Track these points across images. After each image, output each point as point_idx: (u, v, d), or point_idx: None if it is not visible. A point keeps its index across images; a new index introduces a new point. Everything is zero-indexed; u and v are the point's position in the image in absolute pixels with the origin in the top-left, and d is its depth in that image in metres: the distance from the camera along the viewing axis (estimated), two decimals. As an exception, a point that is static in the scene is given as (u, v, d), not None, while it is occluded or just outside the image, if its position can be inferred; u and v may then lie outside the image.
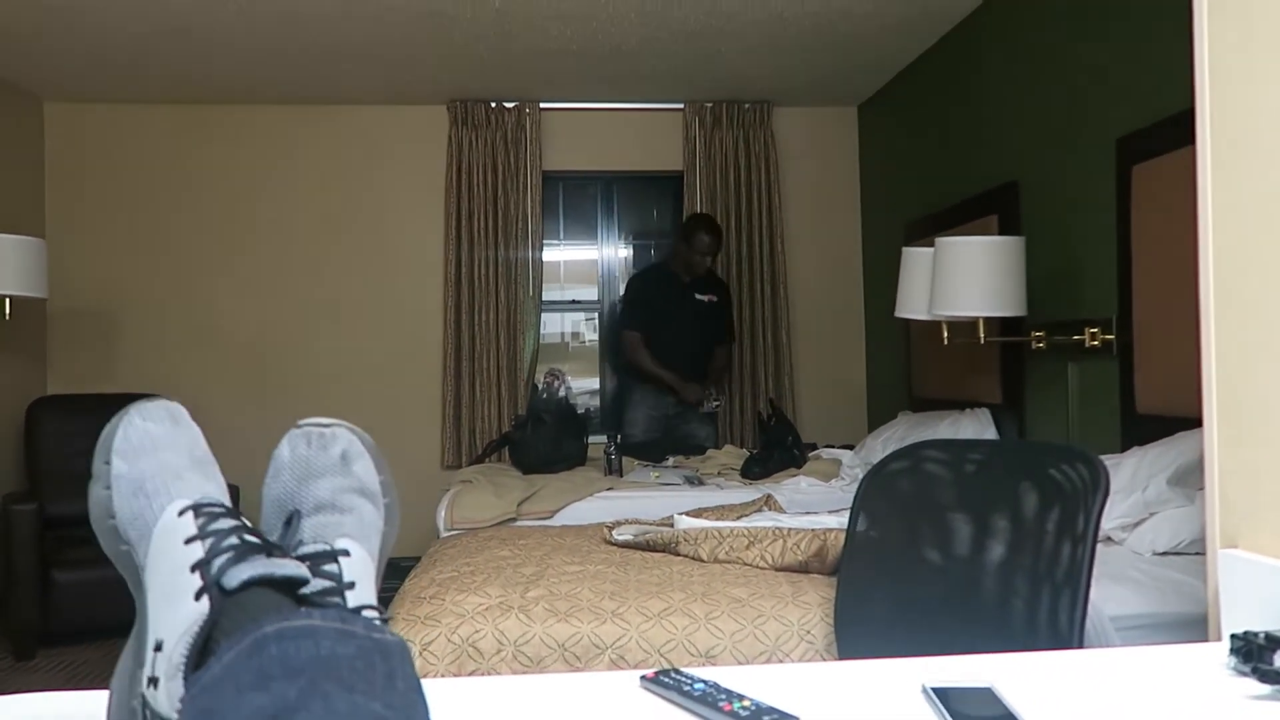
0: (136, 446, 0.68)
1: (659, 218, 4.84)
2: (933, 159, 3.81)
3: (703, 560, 2.00)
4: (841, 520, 2.06)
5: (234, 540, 0.66)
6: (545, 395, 4.48)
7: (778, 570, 1.92)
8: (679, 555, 2.04)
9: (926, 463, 1.77)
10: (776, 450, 3.29)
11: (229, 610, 0.60)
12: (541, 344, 4.50)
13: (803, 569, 1.91)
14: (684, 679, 0.95)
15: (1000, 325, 2.99)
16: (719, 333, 4.06)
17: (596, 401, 4.71)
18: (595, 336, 4.75)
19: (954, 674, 0.88)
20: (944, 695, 0.85)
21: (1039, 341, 2.85)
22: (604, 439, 3.52)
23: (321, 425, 0.79)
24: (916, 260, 2.97)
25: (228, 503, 0.69)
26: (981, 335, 2.77)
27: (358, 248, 4.41)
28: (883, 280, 4.18)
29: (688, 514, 2.36)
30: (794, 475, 3.19)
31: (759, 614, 1.72)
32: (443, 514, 2.99)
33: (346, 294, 4.40)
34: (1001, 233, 3.06)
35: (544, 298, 4.46)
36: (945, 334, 2.97)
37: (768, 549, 1.95)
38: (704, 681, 0.96)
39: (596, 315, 4.70)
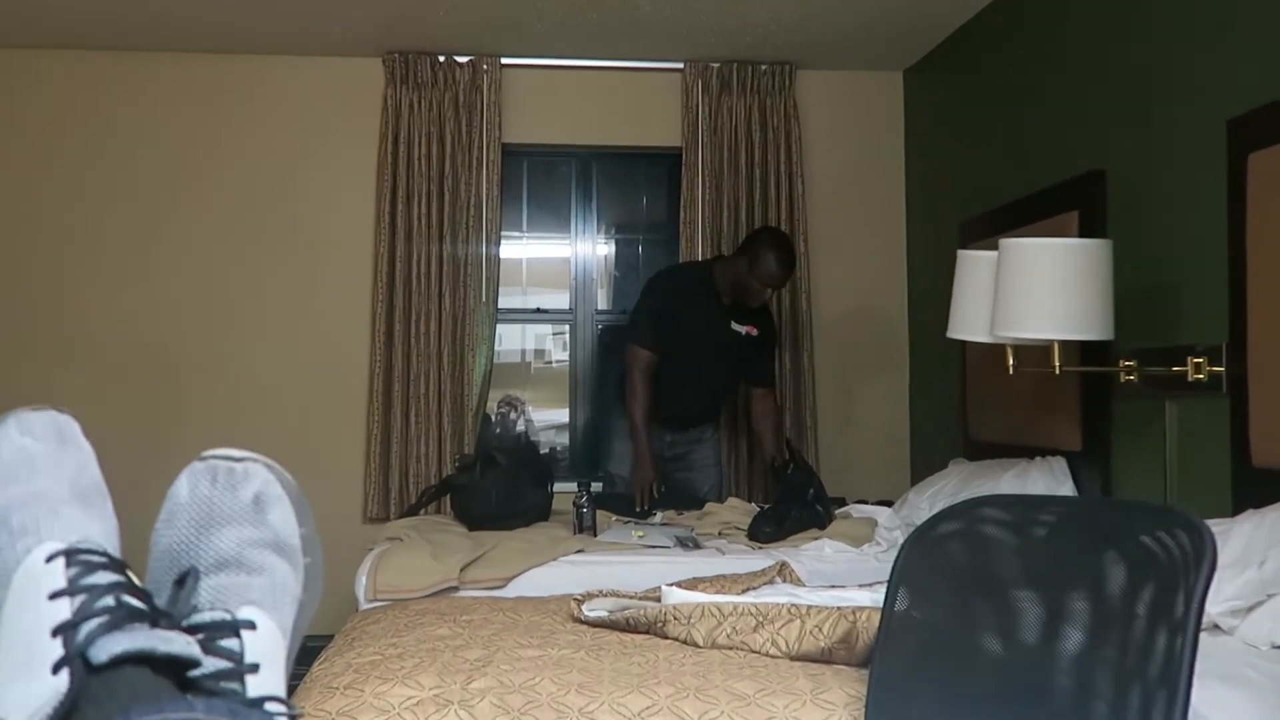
0: (7, 466, 0.68)
1: (650, 206, 4.87)
2: (997, 140, 3.85)
3: (698, 645, 2.00)
4: (876, 597, 2.06)
5: (110, 601, 0.65)
6: (499, 430, 4.46)
7: (794, 659, 1.93)
8: (667, 638, 2.04)
9: (985, 525, 1.78)
10: (794, 506, 3.30)
11: (93, 692, 0.60)
12: (496, 364, 4.51)
13: (826, 658, 1.91)
14: None
15: (1080, 352, 3.02)
16: (752, 374, 4.04)
17: (566, 439, 4.71)
18: (565, 356, 4.76)
19: None
20: None
21: (1129, 373, 2.88)
22: (574, 487, 3.51)
23: (232, 459, 0.80)
24: (975, 267, 3.00)
25: (113, 550, 0.69)
26: (1057, 364, 2.79)
27: (266, 238, 4.41)
28: (932, 292, 4.21)
29: (679, 585, 2.36)
30: (816, 538, 3.20)
31: (769, 716, 1.72)
32: (364, 581, 2.97)
33: (252, 295, 4.39)
34: (1083, 234, 3.09)
35: (501, 305, 4.47)
36: (1011, 361, 2.99)
37: (781, 631, 1.95)
38: None
39: (568, 329, 4.71)
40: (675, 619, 2.04)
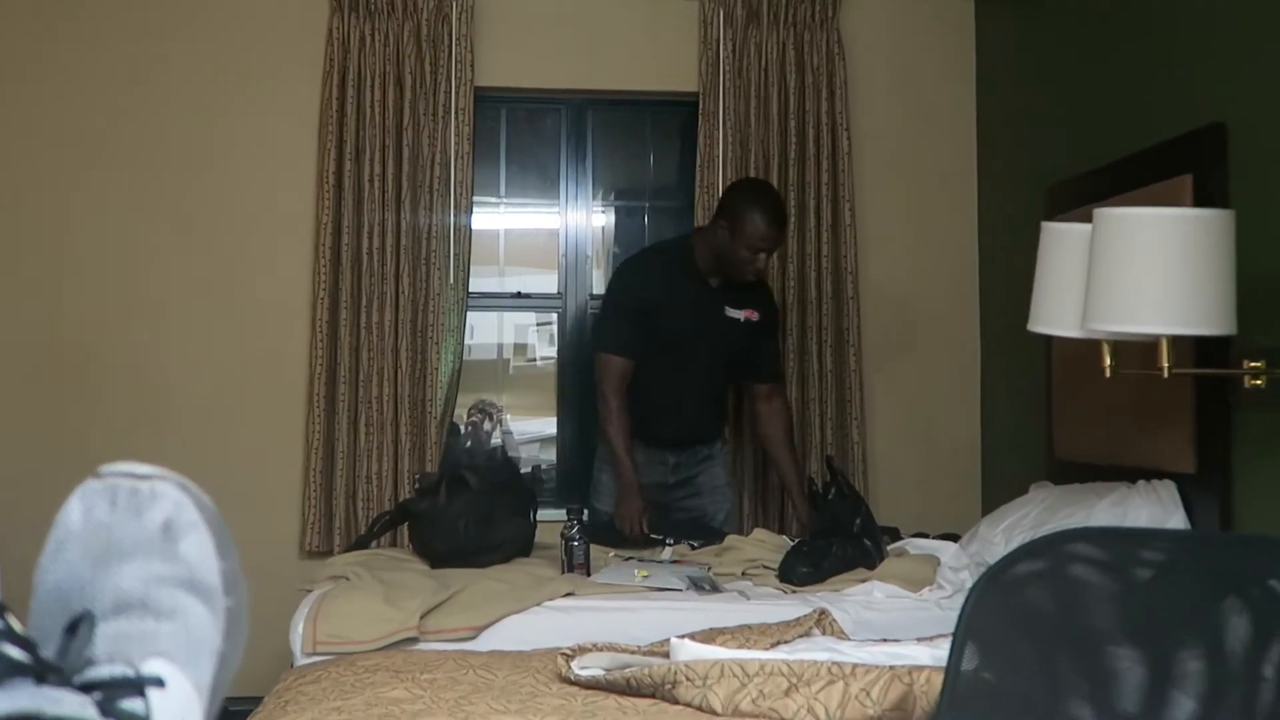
0: None
1: (658, 166, 4.87)
2: (1093, 85, 3.85)
3: (715, 713, 2.01)
4: (938, 654, 2.07)
5: None
6: (469, 444, 4.48)
7: (835, 731, 1.93)
8: (677, 703, 2.05)
9: (1075, 564, 1.78)
10: (836, 540, 3.31)
11: None
12: (466, 362, 4.52)
13: (875, 730, 1.92)
14: None
15: (1195, 350, 3.01)
16: (755, 367, 4.04)
17: (552, 456, 4.72)
18: (553, 352, 4.77)
19: None
20: None
21: (1255, 377, 2.87)
22: (562, 516, 3.52)
23: (135, 476, 0.80)
24: (1064, 244, 3.00)
25: None
26: (1165, 364, 2.78)
27: (183, 203, 4.42)
28: (1009, 276, 4.21)
29: (692, 638, 2.36)
30: (864, 580, 3.20)
31: (804, 800, 1.72)
32: (300, 630, 2.99)
33: (163, 275, 4.40)
34: (1198, 202, 3.10)
35: (473, 289, 4.48)
36: (1107, 362, 2.99)
37: (820, 696, 1.95)
38: None
39: (555, 318, 4.72)
40: (688, 679, 2.05)
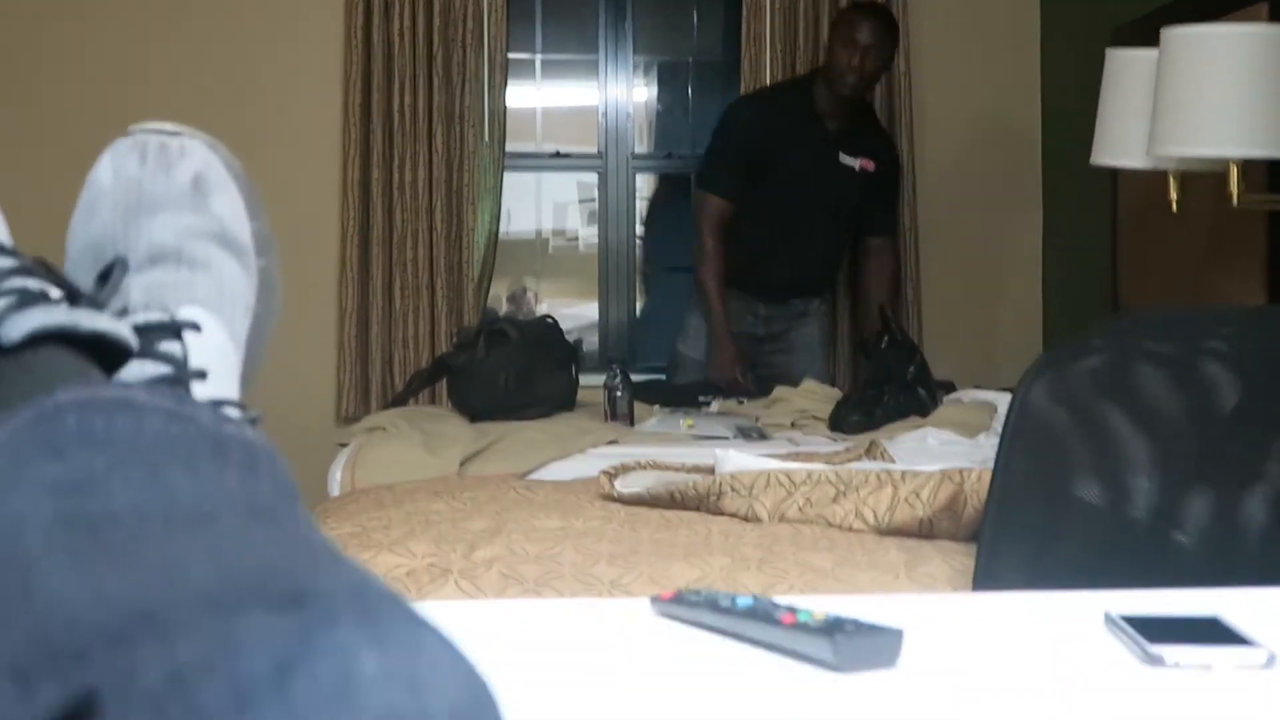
0: None
1: (702, 20, 4.82)
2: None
3: (761, 521, 2.03)
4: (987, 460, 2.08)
5: (15, 284, 0.68)
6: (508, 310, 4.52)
7: (883, 534, 1.96)
8: (722, 514, 2.07)
9: (1143, 362, 1.79)
10: (889, 388, 3.31)
11: (6, 372, 0.62)
12: (503, 241, 4.52)
13: (925, 532, 1.94)
14: (719, 595, 1.02)
15: (1267, 177, 2.98)
16: (868, 220, 4.02)
17: (595, 340, 4.73)
18: (594, 233, 4.75)
19: (1156, 606, 0.97)
20: (1139, 624, 0.93)
21: (1332, 208, 2.84)
22: (602, 381, 3.54)
23: (164, 132, 0.82)
24: (1130, 70, 2.97)
25: (4, 240, 0.72)
26: (1235, 193, 2.75)
27: (207, 62, 4.43)
28: (1074, 125, 4.15)
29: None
30: (918, 427, 3.21)
31: (851, 592, 1.75)
32: (338, 477, 3.04)
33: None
34: (1274, 21, 3.05)
35: (508, 149, 4.48)
36: (1174, 195, 2.96)
37: (868, 501, 1.98)
38: (753, 597, 1.02)
39: (596, 195, 4.68)
40: (733, 490, 2.08)
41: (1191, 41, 2.70)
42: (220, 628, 0.39)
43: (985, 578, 1.70)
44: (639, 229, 4.78)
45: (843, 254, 4.13)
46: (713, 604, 1.00)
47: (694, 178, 4.06)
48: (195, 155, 0.83)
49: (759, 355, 3.99)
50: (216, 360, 0.77)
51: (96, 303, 0.75)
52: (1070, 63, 4.40)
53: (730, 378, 3.78)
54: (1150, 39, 3.63)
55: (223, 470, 0.54)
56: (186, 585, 0.41)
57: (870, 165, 3.90)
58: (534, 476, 2.97)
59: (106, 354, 0.69)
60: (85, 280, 0.78)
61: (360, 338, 4.34)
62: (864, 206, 3.96)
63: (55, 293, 0.71)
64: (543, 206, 5.21)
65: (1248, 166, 2.77)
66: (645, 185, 4.81)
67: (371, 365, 4.34)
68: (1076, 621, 0.96)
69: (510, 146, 4.48)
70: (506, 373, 3.46)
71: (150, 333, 0.75)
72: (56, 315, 0.67)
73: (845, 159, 3.87)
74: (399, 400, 3.77)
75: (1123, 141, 2.98)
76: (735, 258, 3.85)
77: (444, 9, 4.35)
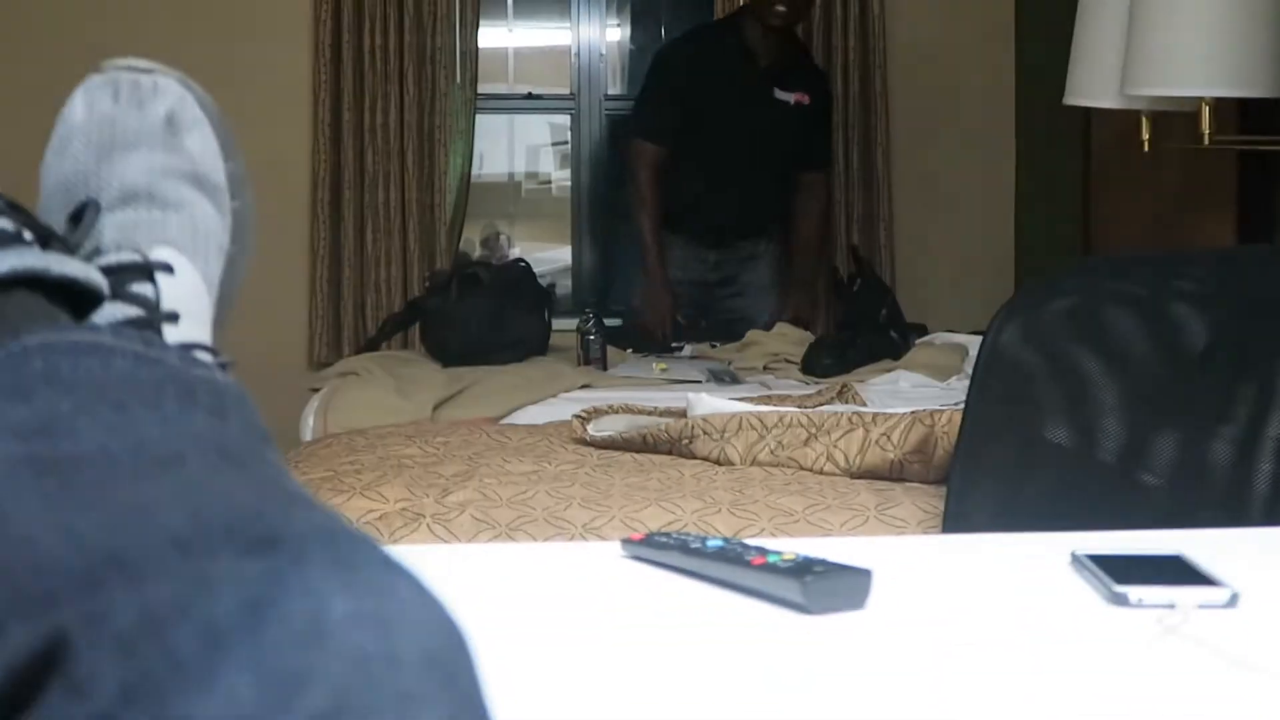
0: None
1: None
2: None
3: (733, 464, 2.04)
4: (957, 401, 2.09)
5: None
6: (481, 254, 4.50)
7: (855, 477, 1.97)
8: (695, 457, 2.08)
9: (1112, 304, 1.80)
10: (861, 331, 3.32)
11: None
12: (475, 183, 4.50)
13: (895, 474, 1.96)
14: (689, 537, 1.03)
15: (1238, 116, 2.99)
16: (803, 155, 4.00)
17: (568, 284, 4.71)
18: (567, 176, 4.72)
19: (1122, 546, 0.99)
20: (1105, 563, 0.94)
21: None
22: (575, 325, 3.53)
23: (137, 69, 0.81)
24: (1103, 7, 2.95)
25: None
26: (1205, 132, 2.75)
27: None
28: (1049, 53, 4.15)
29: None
30: (890, 370, 3.23)
31: (822, 535, 1.76)
32: (310, 423, 3.04)
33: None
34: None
35: (481, 90, 4.45)
36: (1146, 136, 2.97)
37: (839, 444, 1.99)
38: (723, 539, 1.03)
39: (569, 131, 4.66)
40: (705, 433, 2.09)
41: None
42: (191, 569, 0.39)
43: (955, 519, 1.71)
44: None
45: (786, 191, 4.06)
46: (683, 546, 1.01)
47: (629, 121, 4.03)
48: (169, 93, 0.83)
49: (712, 300, 3.98)
50: (189, 302, 0.77)
51: (68, 245, 0.75)
52: (1045, 2, 4.39)
53: (661, 321, 3.75)
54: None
55: (190, 412, 0.54)
56: (156, 527, 0.42)
57: (805, 99, 3.88)
58: (507, 421, 2.99)
59: (78, 297, 0.69)
60: (58, 219, 0.78)
61: (332, 281, 4.33)
62: (791, 140, 3.92)
63: (28, 235, 0.71)
64: (515, 149, 5.18)
65: (1219, 106, 2.77)
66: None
67: (343, 309, 4.33)
68: (1043, 562, 0.98)
69: (482, 88, 4.45)
70: (479, 315, 3.45)
71: (122, 274, 0.74)
72: (27, 259, 0.67)
73: (780, 94, 3.84)
74: (371, 344, 3.76)
75: (1096, 82, 2.97)
76: (677, 204, 3.83)
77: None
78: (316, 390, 3.31)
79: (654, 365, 3.31)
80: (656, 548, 1.02)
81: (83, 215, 0.78)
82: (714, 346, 3.66)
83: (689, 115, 3.80)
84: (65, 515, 0.43)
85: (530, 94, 4.74)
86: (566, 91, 4.66)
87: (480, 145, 4.56)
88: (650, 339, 3.72)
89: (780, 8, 3.68)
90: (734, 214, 3.93)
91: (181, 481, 0.47)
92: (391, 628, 0.38)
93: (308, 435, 3.02)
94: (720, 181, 3.86)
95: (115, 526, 0.42)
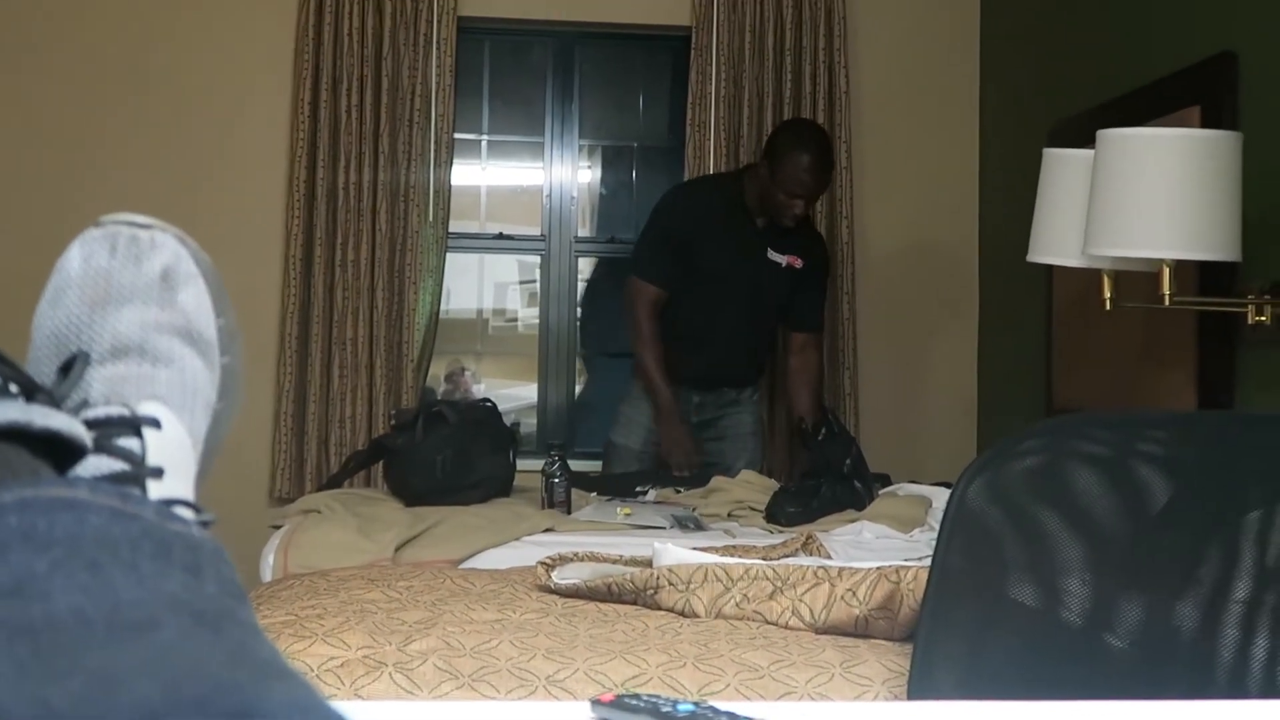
0: None
1: (648, 105, 4.90)
2: (1099, 16, 3.88)
3: (698, 616, 2.04)
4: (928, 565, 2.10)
5: None
6: (446, 390, 4.51)
7: (820, 632, 1.97)
8: (659, 608, 2.08)
9: (1072, 457, 1.82)
10: (826, 479, 3.34)
11: None
12: (444, 320, 4.54)
13: (861, 630, 1.96)
14: (660, 700, 1.03)
15: (1198, 278, 3.05)
16: (795, 316, 4.08)
17: (533, 422, 4.73)
18: (535, 314, 4.77)
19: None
20: None
21: (1260, 312, 2.91)
22: (540, 465, 3.54)
23: (136, 225, 0.83)
24: (1066, 170, 3.04)
25: None
26: (1166, 293, 2.81)
27: (152, 127, 4.43)
28: (1011, 221, 4.24)
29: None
30: (853, 520, 3.23)
31: (787, 692, 1.76)
32: (270, 561, 3.01)
33: (131, 205, 4.39)
34: (1206, 125, 3.14)
35: (452, 229, 4.50)
36: (1107, 294, 3.02)
37: (805, 598, 1.99)
38: (693, 703, 1.03)
39: (539, 270, 4.71)
40: (670, 584, 2.09)
41: (1125, 143, 2.77)
42: None
43: (920, 678, 1.72)
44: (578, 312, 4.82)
45: (771, 345, 4.21)
46: (654, 710, 1.02)
47: (631, 261, 4.11)
48: (165, 248, 0.84)
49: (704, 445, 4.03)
50: (174, 457, 0.77)
51: (54, 398, 0.76)
52: (1007, 166, 4.49)
53: (687, 455, 3.84)
54: (1085, 138, 3.73)
55: (165, 570, 0.55)
56: (129, 700, 0.42)
57: (798, 263, 3.98)
58: (469, 564, 2.97)
59: (62, 450, 0.69)
60: (47, 370, 0.79)
61: (297, 416, 4.33)
62: (792, 301, 4.03)
63: (14, 387, 0.72)
64: (484, 285, 5.22)
65: (1179, 267, 2.84)
66: (585, 268, 4.85)
67: (307, 445, 4.32)
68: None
69: (454, 226, 4.51)
70: (444, 455, 3.45)
71: (109, 427, 0.75)
72: (11, 411, 0.67)
73: (773, 255, 3.95)
74: (334, 481, 3.74)
75: (1059, 241, 3.04)
76: (667, 344, 3.92)
77: (392, 87, 4.39)
78: (278, 527, 3.29)
79: (618, 510, 3.31)
80: (627, 710, 1.02)
81: (72, 368, 0.79)
82: (678, 491, 3.67)
83: (683, 262, 3.90)
84: (37, 686, 0.43)
85: (501, 234, 4.79)
86: (538, 232, 4.73)
87: (449, 281, 4.61)
88: (680, 476, 3.78)
89: (794, 212, 3.80)
90: (719, 361, 4.01)
91: (155, 649, 0.47)
92: None
93: (267, 574, 2.99)
94: (708, 329, 3.95)
95: (87, 699, 0.42)
